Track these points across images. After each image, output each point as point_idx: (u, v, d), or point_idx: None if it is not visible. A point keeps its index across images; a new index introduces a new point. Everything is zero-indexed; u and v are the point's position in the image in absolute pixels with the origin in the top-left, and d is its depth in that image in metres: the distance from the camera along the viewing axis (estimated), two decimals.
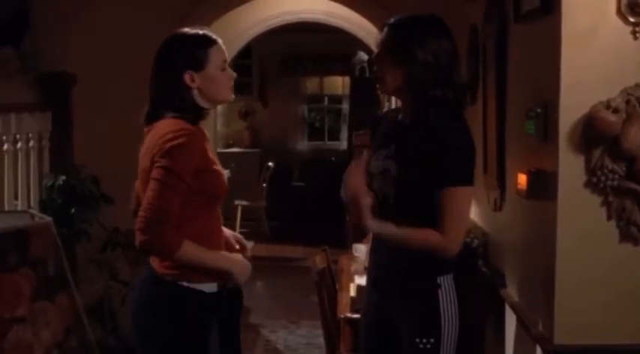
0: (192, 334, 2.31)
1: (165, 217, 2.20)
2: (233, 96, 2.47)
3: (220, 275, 2.39)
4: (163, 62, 2.36)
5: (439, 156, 2.27)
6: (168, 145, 2.23)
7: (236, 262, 2.42)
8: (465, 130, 2.36)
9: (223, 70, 2.39)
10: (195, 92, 2.34)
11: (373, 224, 2.33)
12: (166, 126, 2.28)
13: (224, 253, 2.42)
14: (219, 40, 2.40)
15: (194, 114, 2.34)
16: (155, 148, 2.26)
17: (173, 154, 2.22)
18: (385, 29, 2.40)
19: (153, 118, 2.36)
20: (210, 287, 2.36)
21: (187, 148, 2.24)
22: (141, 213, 2.21)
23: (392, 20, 2.42)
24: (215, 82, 2.37)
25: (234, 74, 2.46)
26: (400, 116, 2.47)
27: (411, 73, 2.32)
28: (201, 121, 2.39)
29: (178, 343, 2.31)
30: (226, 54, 2.42)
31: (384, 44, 2.39)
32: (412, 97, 2.37)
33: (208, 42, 2.37)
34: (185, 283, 2.31)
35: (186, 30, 2.40)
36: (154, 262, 2.37)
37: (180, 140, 2.23)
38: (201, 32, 2.39)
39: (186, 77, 2.32)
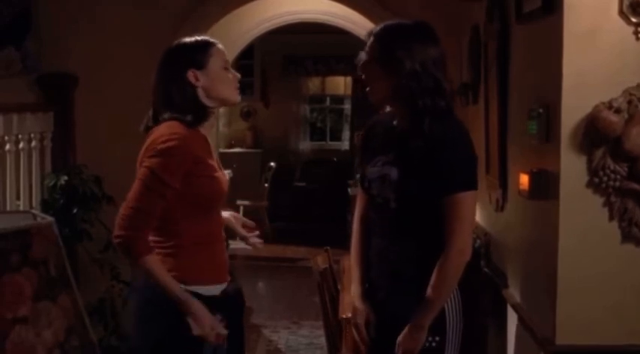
0: (188, 335, 2.28)
1: (142, 218, 2.22)
2: (239, 97, 2.47)
3: (219, 278, 2.38)
4: (165, 67, 2.37)
5: (444, 166, 2.27)
6: (158, 147, 2.23)
7: (195, 307, 2.27)
8: (464, 135, 2.35)
9: (226, 68, 2.41)
10: (199, 90, 2.35)
11: (420, 327, 2.31)
12: (161, 130, 2.28)
13: (189, 296, 2.27)
14: (219, 44, 2.43)
15: (195, 113, 2.33)
16: (147, 151, 2.27)
17: (161, 157, 2.23)
18: (371, 38, 2.37)
19: (153, 123, 2.36)
20: (208, 290, 2.34)
21: (177, 151, 2.23)
22: (121, 211, 2.24)
23: (377, 29, 2.38)
24: (219, 80, 2.38)
25: (239, 75, 2.47)
26: (395, 122, 2.43)
27: (400, 83, 2.29)
28: (205, 123, 2.37)
29: (173, 343, 2.29)
30: (227, 55, 2.44)
31: (370, 53, 2.36)
32: (403, 106, 2.35)
33: (207, 44, 2.40)
34: (182, 286, 2.28)
35: (185, 38, 2.43)
36: None
37: (170, 143, 2.23)
38: (199, 38, 2.43)
39: (190, 75, 2.33)
